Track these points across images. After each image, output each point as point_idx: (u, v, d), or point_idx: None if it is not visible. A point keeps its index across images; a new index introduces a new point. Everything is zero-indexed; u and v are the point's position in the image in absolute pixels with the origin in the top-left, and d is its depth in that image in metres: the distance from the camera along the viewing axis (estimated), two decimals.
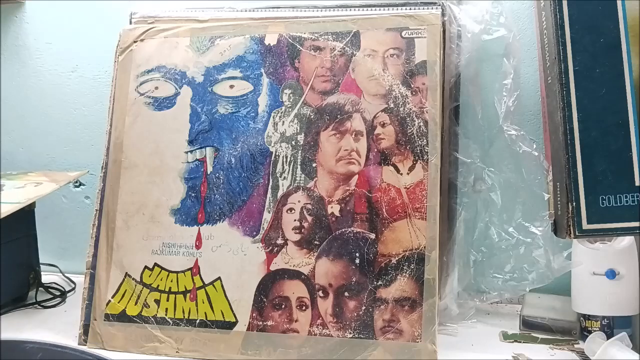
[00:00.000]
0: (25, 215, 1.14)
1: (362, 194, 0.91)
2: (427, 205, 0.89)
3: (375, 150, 0.92)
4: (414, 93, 0.93)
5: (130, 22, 1.09)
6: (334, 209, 0.92)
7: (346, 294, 0.89)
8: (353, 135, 0.93)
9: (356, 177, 0.92)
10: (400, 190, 0.90)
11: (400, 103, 0.93)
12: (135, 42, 1.04)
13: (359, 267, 0.89)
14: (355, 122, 0.93)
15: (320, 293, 0.90)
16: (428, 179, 0.90)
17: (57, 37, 1.29)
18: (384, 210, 0.90)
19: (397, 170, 0.91)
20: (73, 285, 1.20)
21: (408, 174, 0.91)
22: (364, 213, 0.90)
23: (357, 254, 0.89)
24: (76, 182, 1.30)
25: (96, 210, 1.00)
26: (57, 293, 1.16)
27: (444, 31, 0.98)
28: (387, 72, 0.94)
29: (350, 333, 0.87)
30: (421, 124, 0.92)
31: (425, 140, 0.91)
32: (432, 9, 0.99)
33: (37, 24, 1.30)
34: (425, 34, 0.94)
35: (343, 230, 0.91)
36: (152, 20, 1.07)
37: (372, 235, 0.90)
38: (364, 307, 0.88)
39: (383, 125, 0.93)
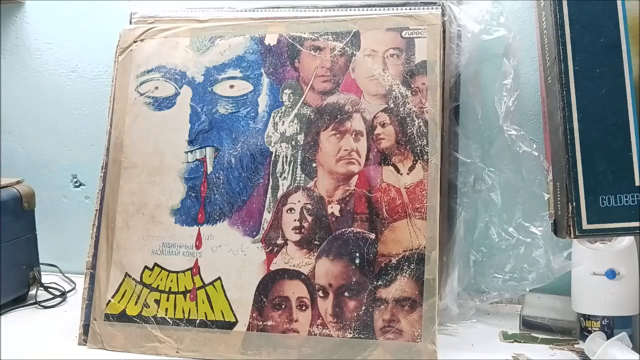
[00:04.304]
0: (25, 215, 1.14)
1: (362, 194, 0.91)
2: (427, 205, 0.89)
3: (375, 150, 0.92)
4: (414, 93, 0.93)
5: (130, 22, 1.09)
6: (334, 209, 0.92)
7: (346, 294, 0.89)
8: (353, 135, 0.93)
9: (356, 177, 0.92)
10: (400, 190, 0.90)
11: (400, 103, 0.93)
12: (135, 42, 1.04)
13: (359, 267, 0.89)
14: (355, 122, 0.93)
15: (320, 293, 0.89)
16: (428, 179, 0.90)
17: (57, 37, 1.29)
18: (384, 210, 0.90)
19: (397, 170, 0.91)
20: (73, 285, 1.20)
21: (408, 174, 0.90)
22: (364, 213, 0.90)
23: (357, 254, 0.89)
24: (76, 182, 1.30)
25: (96, 210, 1.00)
26: (57, 293, 1.16)
27: (444, 31, 0.98)
28: (387, 72, 0.94)
29: (350, 333, 0.87)
30: (421, 124, 0.92)
31: (425, 140, 0.91)
32: (432, 9, 0.99)
33: (37, 24, 1.30)
34: (425, 34, 0.94)
35: (343, 230, 0.91)
36: (152, 20, 1.07)
37: (372, 235, 0.90)
38: (364, 307, 0.88)
39: (383, 125, 0.93)
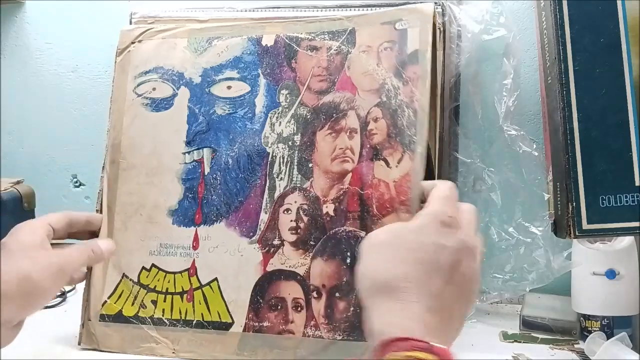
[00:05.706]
0: (26, 216, 1.14)
1: (354, 191, 0.89)
2: (410, 197, 0.85)
3: (368, 146, 0.90)
4: (405, 83, 0.89)
5: (131, 22, 1.08)
6: (328, 208, 0.90)
7: (337, 294, 0.87)
8: (347, 133, 0.91)
9: (350, 175, 0.90)
10: (389, 184, 0.87)
11: (392, 95, 0.90)
12: (133, 43, 1.03)
13: (350, 267, 0.87)
14: (349, 119, 0.92)
15: (314, 294, 0.89)
16: (412, 169, 0.86)
17: (57, 37, 1.29)
18: (374, 206, 0.88)
19: (387, 164, 0.88)
20: (73, 285, 1.20)
21: (397, 166, 0.87)
22: (356, 211, 0.88)
23: (349, 253, 0.87)
24: (76, 182, 1.31)
25: (96, 210, 1.00)
26: (57, 293, 1.16)
27: (444, 31, 0.97)
28: (381, 66, 0.91)
29: (339, 335, 0.86)
30: (411, 113, 0.88)
31: (414, 130, 0.87)
32: None
33: (37, 24, 1.30)
34: (417, 23, 0.91)
35: (336, 229, 0.89)
36: (152, 20, 1.07)
37: (363, 233, 0.87)
38: (352, 309, 0.86)
39: (375, 120, 0.90)
